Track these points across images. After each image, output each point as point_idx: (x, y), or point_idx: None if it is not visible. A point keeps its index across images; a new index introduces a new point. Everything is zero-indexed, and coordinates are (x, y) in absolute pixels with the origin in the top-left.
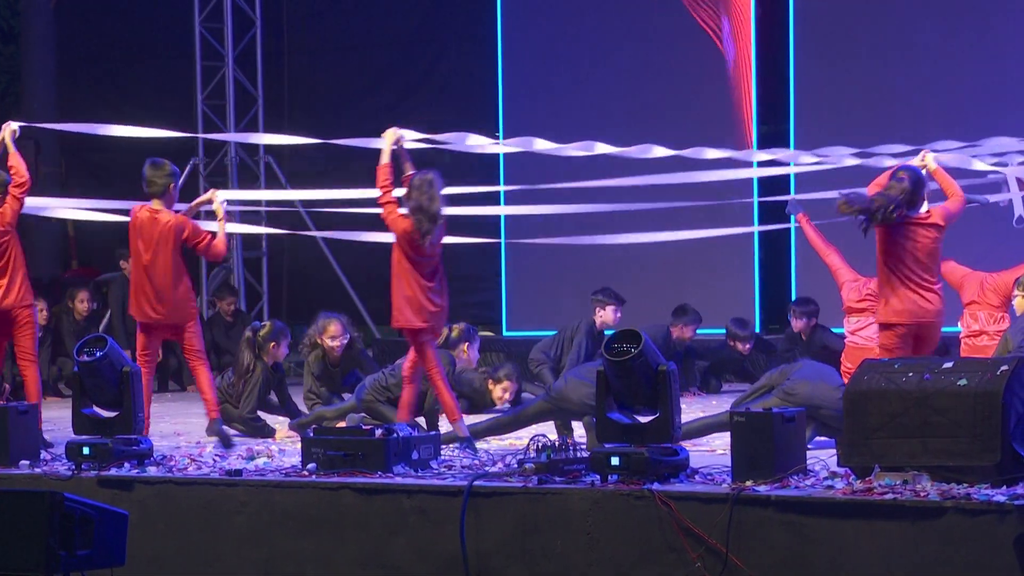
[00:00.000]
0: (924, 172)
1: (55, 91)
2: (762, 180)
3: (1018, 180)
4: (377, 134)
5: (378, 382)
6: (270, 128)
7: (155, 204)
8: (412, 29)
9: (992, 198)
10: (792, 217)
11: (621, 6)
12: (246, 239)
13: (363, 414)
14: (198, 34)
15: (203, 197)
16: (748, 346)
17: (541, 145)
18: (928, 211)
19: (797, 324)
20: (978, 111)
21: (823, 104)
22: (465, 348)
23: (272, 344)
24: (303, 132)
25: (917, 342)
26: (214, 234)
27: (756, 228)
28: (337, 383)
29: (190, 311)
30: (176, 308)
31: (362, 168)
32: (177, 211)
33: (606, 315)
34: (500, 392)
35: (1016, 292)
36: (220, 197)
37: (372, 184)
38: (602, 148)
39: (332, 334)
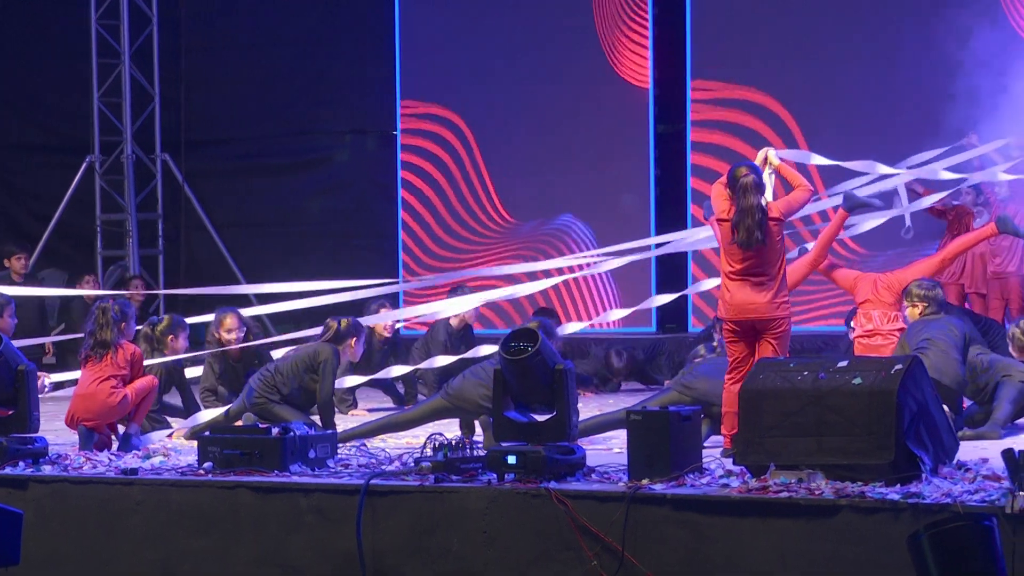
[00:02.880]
0: (768, 168)
1: None
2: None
3: (908, 191)
4: (274, 133)
5: (265, 381)
6: (167, 126)
7: None
8: (310, 27)
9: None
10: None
11: (521, 5)
12: (142, 236)
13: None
14: (94, 31)
15: None
16: None
17: (818, 160)
18: (767, 204)
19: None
20: (871, 114)
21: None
22: (352, 343)
23: (170, 337)
24: (200, 130)
25: (756, 338)
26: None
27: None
28: (239, 381)
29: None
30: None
31: (269, 166)
32: None
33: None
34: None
35: (906, 303)
36: None
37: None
38: (818, 159)
39: (228, 327)
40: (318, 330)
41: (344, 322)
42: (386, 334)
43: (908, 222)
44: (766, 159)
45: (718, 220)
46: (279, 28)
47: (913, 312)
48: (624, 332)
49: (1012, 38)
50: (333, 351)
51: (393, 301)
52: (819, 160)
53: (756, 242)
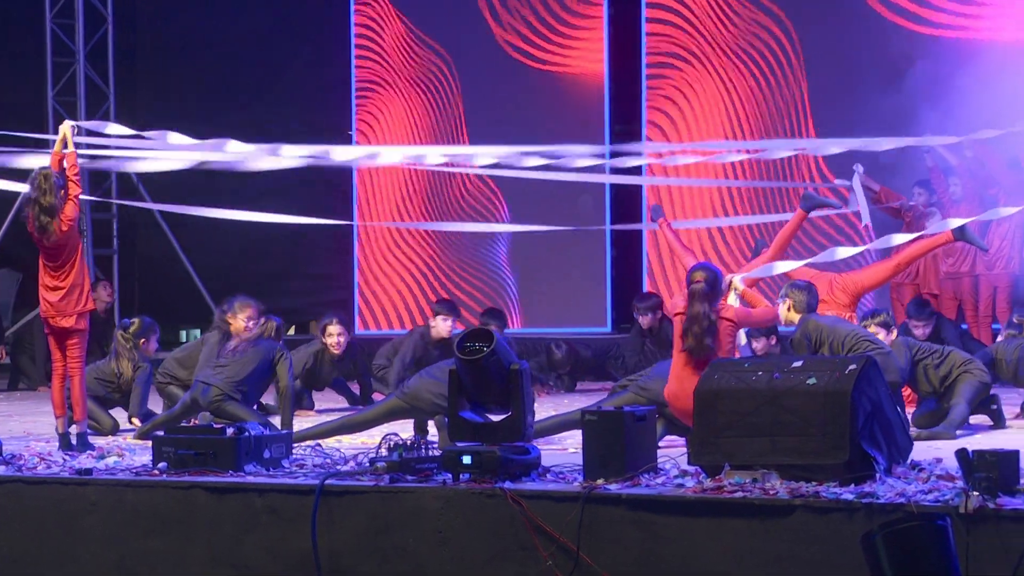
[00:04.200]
0: (734, 292)
1: None
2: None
3: (864, 188)
4: (231, 132)
5: (226, 381)
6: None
7: None
8: (266, 27)
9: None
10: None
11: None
12: (97, 236)
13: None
14: (49, 30)
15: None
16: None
17: (781, 269)
18: (724, 306)
19: (644, 320)
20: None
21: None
22: (142, 343)
23: (142, 341)
24: (154, 130)
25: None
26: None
27: (608, 227)
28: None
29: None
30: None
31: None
32: None
33: (439, 327)
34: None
35: (779, 301)
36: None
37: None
38: (781, 269)
39: (249, 316)
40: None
41: (136, 322)
42: (336, 351)
43: (866, 219)
44: (730, 284)
45: (674, 314)
46: (234, 28)
47: (784, 312)
48: (579, 332)
49: None
50: (283, 347)
51: (347, 310)
52: (783, 269)
53: (706, 350)
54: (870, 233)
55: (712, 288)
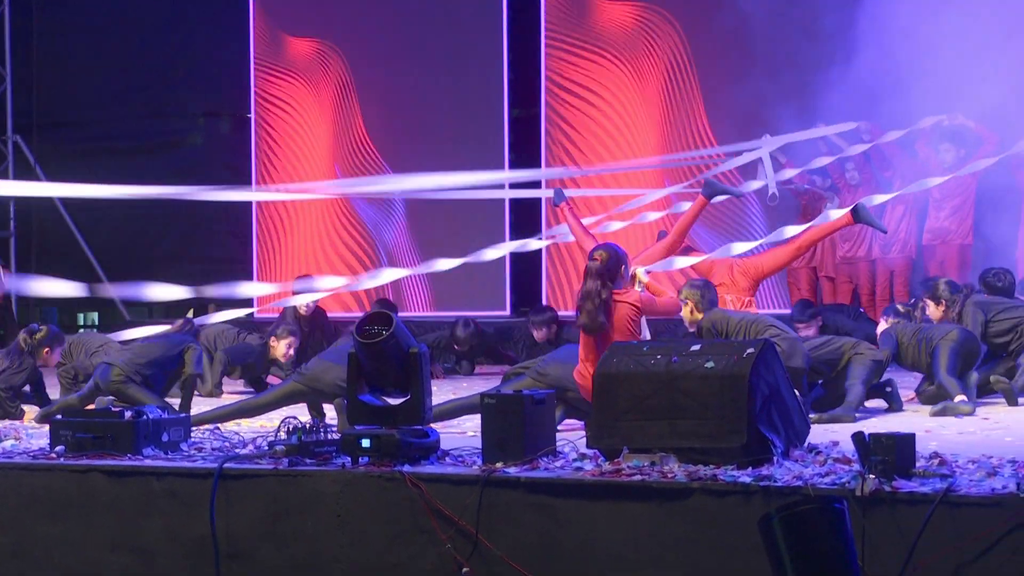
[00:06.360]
0: (639, 284)
1: None
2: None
3: (772, 160)
4: (128, 115)
5: (128, 362)
6: (19, 108)
7: None
8: (164, 9)
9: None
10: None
11: None
12: None
13: (111, 397)
14: None
15: None
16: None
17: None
18: (626, 290)
19: (538, 335)
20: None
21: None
22: (45, 353)
23: (45, 350)
24: (52, 113)
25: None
26: None
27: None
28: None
29: None
30: None
31: (123, 149)
32: None
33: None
34: (284, 348)
35: (680, 304)
36: None
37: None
38: (681, 263)
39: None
40: None
41: (43, 331)
42: (283, 360)
43: (773, 189)
44: (635, 276)
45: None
46: (133, 10)
47: (687, 313)
48: (477, 315)
49: None
50: (195, 343)
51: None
52: (683, 264)
53: (599, 327)
54: (775, 203)
55: (609, 268)
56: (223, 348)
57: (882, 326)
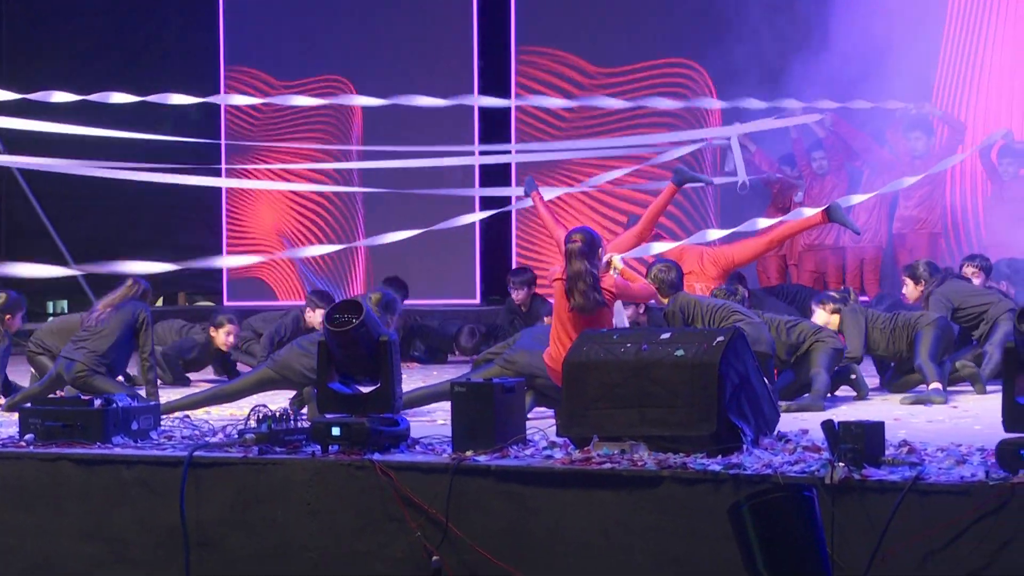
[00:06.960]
0: (613, 271)
1: None
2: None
3: (741, 147)
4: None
5: (88, 356)
6: None
7: None
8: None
9: (717, 180)
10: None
11: None
12: None
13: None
14: None
15: None
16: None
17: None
18: (602, 275)
19: (517, 295)
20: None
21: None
22: (8, 318)
23: (7, 316)
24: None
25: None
26: None
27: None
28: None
29: None
30: None
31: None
32: None
33: (314, 317)
34: (224, 336)
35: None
36: None
37: None
38: (657, 248)
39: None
40: None
41: (3, 296)
42: (224, 348)
43: (743, 178)
44: (609, 262)
45: (553, 280)
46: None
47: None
48: (448, 304)
49: None
50: (146, 309)
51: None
52: (658, 250)
53: (596, 304)
54: (746, 191)
55: (590, 248)
56: (167, 346)
57: (818, 315)
